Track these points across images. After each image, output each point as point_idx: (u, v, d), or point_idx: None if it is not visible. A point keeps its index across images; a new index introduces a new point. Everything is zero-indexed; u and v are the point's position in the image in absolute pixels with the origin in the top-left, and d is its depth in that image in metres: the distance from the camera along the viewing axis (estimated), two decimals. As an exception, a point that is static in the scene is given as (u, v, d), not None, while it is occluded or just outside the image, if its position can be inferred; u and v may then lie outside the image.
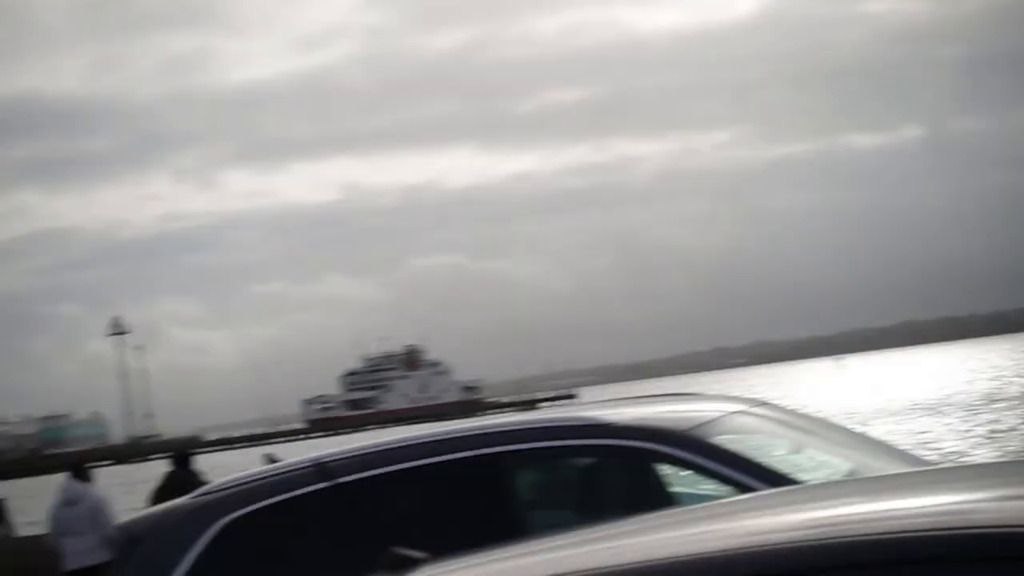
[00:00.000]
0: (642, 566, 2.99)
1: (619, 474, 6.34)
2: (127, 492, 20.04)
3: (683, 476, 6.10)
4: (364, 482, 6.00)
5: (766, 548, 2.88)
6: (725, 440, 6.02)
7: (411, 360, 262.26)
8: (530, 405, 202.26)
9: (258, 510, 6.25)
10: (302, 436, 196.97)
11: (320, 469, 5.55)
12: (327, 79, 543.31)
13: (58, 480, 18.82)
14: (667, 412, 6.40)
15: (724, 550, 2.93)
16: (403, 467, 6.13)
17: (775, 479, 5.71)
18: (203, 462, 18.51)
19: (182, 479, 16.48)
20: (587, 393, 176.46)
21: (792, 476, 5.86)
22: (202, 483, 11.94)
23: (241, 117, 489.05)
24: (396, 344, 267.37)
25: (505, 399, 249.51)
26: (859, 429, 8.48)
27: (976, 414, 45.13)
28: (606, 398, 7.66)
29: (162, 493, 16.13)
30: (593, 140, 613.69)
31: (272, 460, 6.83)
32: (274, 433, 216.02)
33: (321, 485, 5.92)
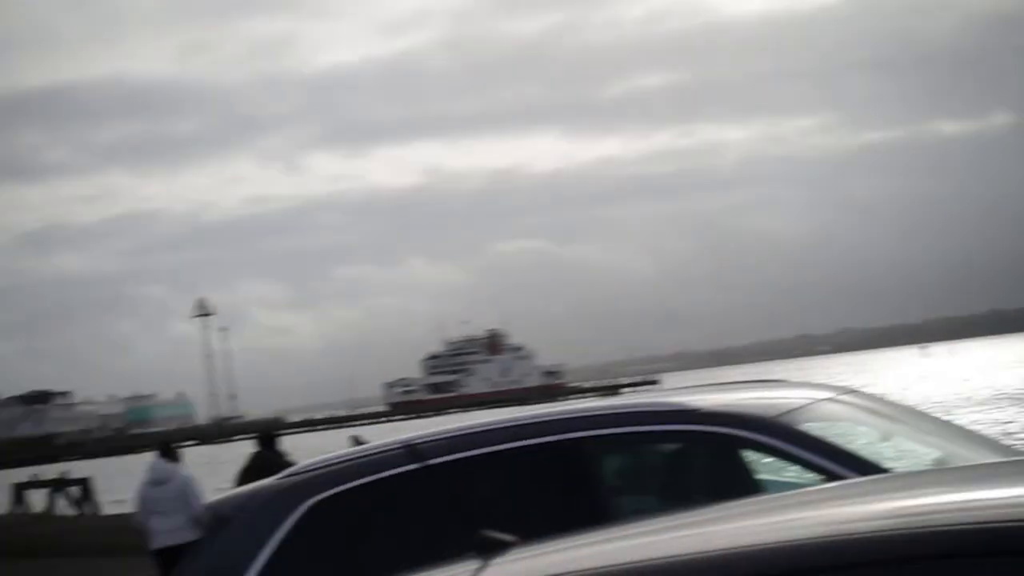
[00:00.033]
0: (729, 553, 2.99)
1: (704, 460, 6.32)
2: (211, 472, 20.22)
3: (769, 463, 6.07)
4: (454, 464, 6.02)
5: (856, 536, 2.87)
6: (813, 427, 5.99)
7: (493, 344, 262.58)
8: (612, 390, 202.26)
9: (346, 491, 6.28)
10: (384, 419, 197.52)
11: (410, 451, 5.57)
12: (412, 63, 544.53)
13: (145, 460, 19.00)
14: (753, 399, 6.37)
15: (813, 538, 2.92)
16: (491, 450, 6.14)
17: (863, 467, 5.67)
18: (285, 444, 18.59)
19: (268, 460, 16.55)
20: (669, 379, 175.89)
21: (880, 464, 5.83)
22: (288, 464, 12.00)
23: (326, 101, 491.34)
24: (478, 328, 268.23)
25: (586, 384, 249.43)
26: (945, 417, 8.40)
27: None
28: (690, 384, 7.64)
29: (248, 473, 16.22)
30: (678, 125, 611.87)
31: (358, 442, 6.86)
32: (356, 416, 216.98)
33: (411, 467, 5.94)
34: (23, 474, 57.85)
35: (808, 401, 6.31)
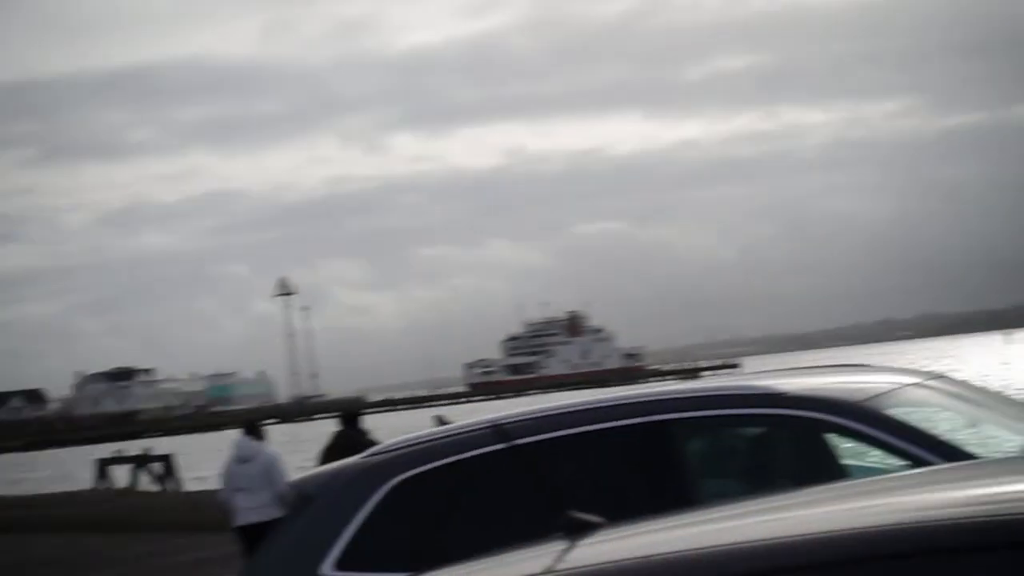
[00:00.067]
0: (814, 537, 2.98)
1: (790, 444, 6.30)
2: (293, 451, 20.36)
3: (855, 448, 6.04)
4: (540, 445, 6.03)
5: (942, 523, 2.86)
6: (899, 412, 5.96)
7: (573, 326, 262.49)
8: (692, 374, 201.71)
9: (431, 470, 6.30)
10: (463, 399, 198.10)
11: (497, 430, 5.57)
12: (494, 44, 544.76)
13: (225, 437, 19.15)
14: (839, 383, 6.34)
15: (898, 524, 2.91)
16: (578, 431, 6.15)
17: (949, 453, 5.64)
18: (367, 423, 18.64)
19: (351, 439, 16.58)
20: (750, 363, 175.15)
21: (966, 450, 5.79)
22: (372, 443, 12.06)
23: (409, 81, 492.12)
24: (558, 310, 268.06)
25: (666, 367, 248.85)
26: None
27: None
28: (772, 368, 7.61)
29: (331, 452, 16.25)
30: (761, 108, 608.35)
31: (442, 422, 6.86)
32: (436, 396, 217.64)
33: (498, 447, 5.95)
34: (107, 450, 58.49)
35: (895, 386, 6.27)
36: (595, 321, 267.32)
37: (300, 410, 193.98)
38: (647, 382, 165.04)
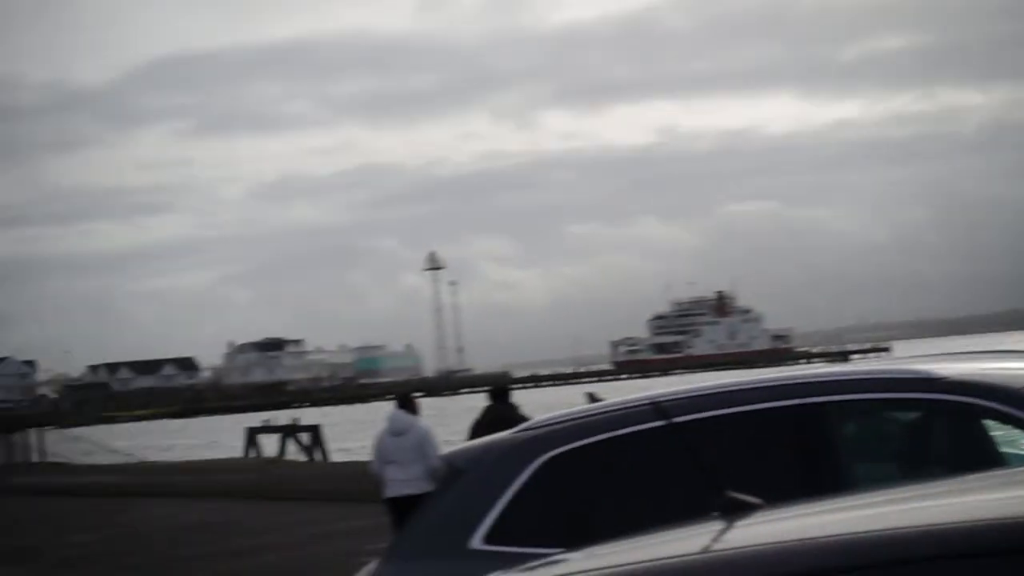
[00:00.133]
0: (974, 525, 2.95)
1: (945, 430, 6.23)
2: (439, 424, 20.50)
3: (1012, 434, 5.96)
4: (699, 423, 6.01)
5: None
6: None
7: (721, 306, 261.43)
8: (842, 356, 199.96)
9: (584, 446, 6.30)
10: (609, 377, 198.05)
11: (656, 408, 5.56)
12: (648, 21, 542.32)
13: (372, 410, 19.35)
14: (996, 368, 6.24)
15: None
16: (736, 411, 6.12)
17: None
18: (515, 399, 18.73)
19: (501, 414, 16.65)
20: (900, 347, 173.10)
21: None
22: (522, 418, 12.08)
23: (561, 58, 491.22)
24: (706, 290, 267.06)
25: (815, 349, 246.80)
26: None
27: None
28: (924, 352, 7.52)
29: (481, 427, 16.33)
30: (918, 89, 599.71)
31: (594, 399, 6.87)
32: (581, 373, 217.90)
33: (655, 424, 5.93)
34: (256, 419, 59.32)
35: None
36: (743, 301, 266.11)
37: (446, 384, 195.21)
38: (795, 364, 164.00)
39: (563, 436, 6.37)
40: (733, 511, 3.46)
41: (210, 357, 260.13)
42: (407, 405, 17.39)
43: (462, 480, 6.53)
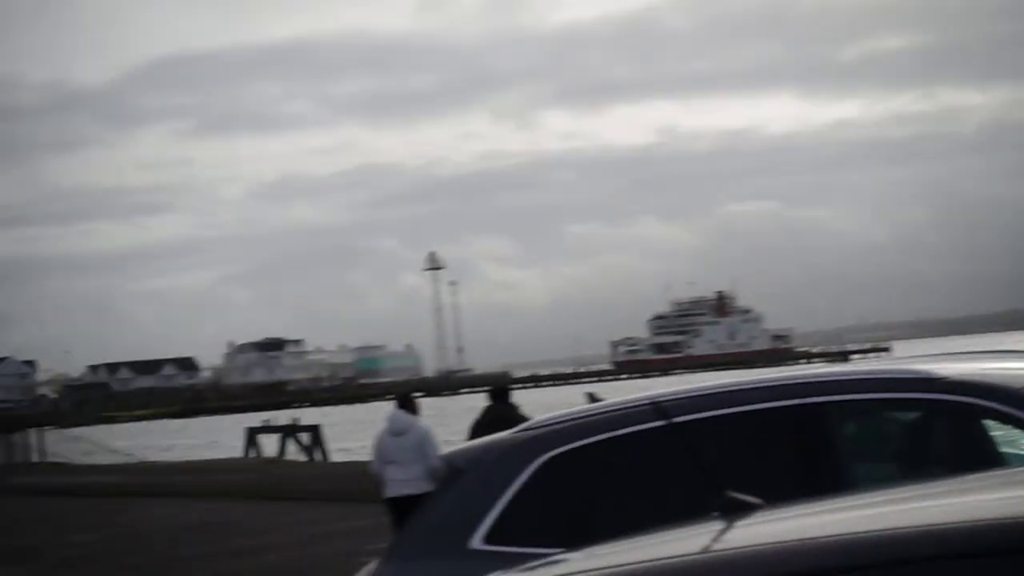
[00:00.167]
0: (975, 525, 2.95)
1: (945, 430, 6.23)
2: (439, 424, 20.49)
3: (1012, 435, 5.96)
4: (698, 423, 6.01)
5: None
6: None
7: (721, 306, 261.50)
8: (842, 357, 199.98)
9: (584, 446, 6.30)
10: (609, 377, 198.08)
11: (656, 408, 5.56)
12: (648, 21, 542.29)
13: (372, 410, 19.37)
14: (998, 368, 6.24)
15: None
16: (736, 411, 6.12)
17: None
18: (515, 398, 18.74)
19: (501, 414, 16.66)
20: (900, 347, 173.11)
21: None
22: (522, 418, 12.08)
23: (561, 58, 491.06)
24: (706, 290, 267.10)
25: (815, 349, 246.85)
26: None
27: None
28: (924, 352, 7.53)
29: (481, 427, 16.34)
30: (918, 89, 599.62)
31: (594, 399, 6.87)
32: (581, 373, 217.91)
33: (655, 424, 5.93)
34: (256, 419, 59.33)
35: None
36: (743, 301, 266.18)
37: (446, 384, 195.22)
38: (795, 364, 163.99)
39: (563, 436, 6.37)
40: (733, 511, 3.46)
41: (210, 357, 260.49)
42: (407, 405, 17.40)
43: (462, 480, 6.53)
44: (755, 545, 3.12)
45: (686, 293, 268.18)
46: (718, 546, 3.19)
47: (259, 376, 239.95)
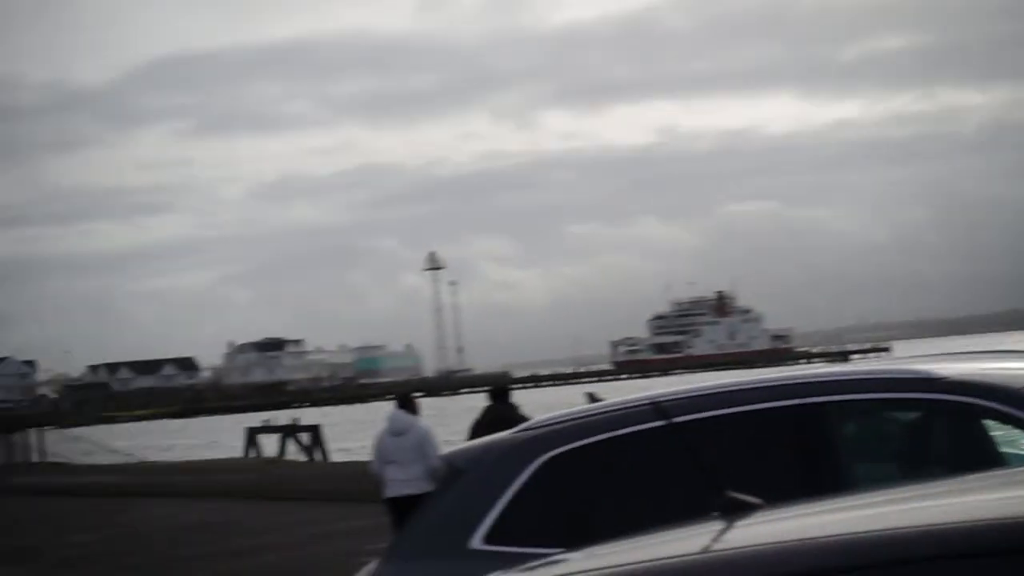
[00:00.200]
0: (975, 525, 2.95)
1: (945, 430, 6.23)
2: (439, 424, 20.47)
3: (1012, 435, 5.96)
4: (699, 423, 6.01)
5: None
6: None
7: (720, 306, 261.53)
8: (842, 356, 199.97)
9: (584, 446, 6.30)
10: (609, 377, 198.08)
11: (656, 408, 5.56)
12: (648, 21, 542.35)
13: (372, 410, 19.37)
14: (998, 368, 6.24)
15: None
16: (736, 411, 6.12)
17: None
18: (515, 399, 18.73)
19: (501, 413, 16.66)
20: (900, 347, 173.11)
21: None
22: (522, 418, 12.08)
23: (561, 58, 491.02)
24: (706, 290, 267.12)
25: (815, 349, 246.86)
26: None
27: None
28: (924, 352, 7.53)
29: (481, 427, 16.34)
30: (918, 89, 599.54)
31: (594, 399, 6.86)
32: (581, 373, 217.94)
33: (655, 424, 5.93)
34: (256, 419, 59.35)
35: None
36: (743, 301, 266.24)
37: (446, 384, 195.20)
38: (795, 364, 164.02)
39: (563, 436, 6.37)
40: (733, 511, 3.46)
41: (210, 357, 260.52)
42: (407, 405, 17.40)
43: (462, 480, 6.53)
44: (755, 545, 3.12)
45: (686, 293, 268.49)
46: (718, 546, 3.19)
47: (259, 376, 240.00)
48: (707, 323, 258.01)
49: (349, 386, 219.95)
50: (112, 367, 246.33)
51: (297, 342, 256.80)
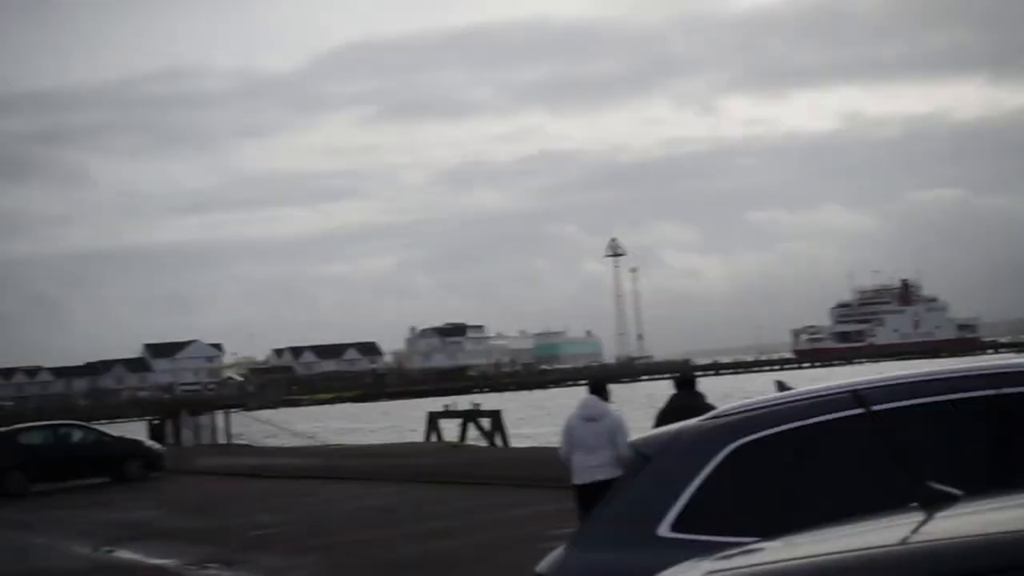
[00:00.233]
0: None
1: None
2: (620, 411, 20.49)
3: None
4: (897, 412, 5.93)
5: None
6: None
7: (905, 295, 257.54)
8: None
9: (774, 435, 6.25)
10: (790, 366, 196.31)
11: (856, 396, 5.49)
12: (834, 5, 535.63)
13: (551, 396, 19.37)
14: None
15: None
16: (932, 400, 6.03)
17: None
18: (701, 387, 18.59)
19: (687, 402, 16.59)
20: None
21: None
22: (708, 407, 12.02)
23: (745, 44, 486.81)
24: (890, 278, 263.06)
25: (1003, 339, 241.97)
26: None
27: None
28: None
29: (667, 415, 16.27)
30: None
31: (783, 387, 6.81)
32: (763, 361, 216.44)
33: (852, 412, 5.86)
34: (437, 404, 59.84)
35: None
36: (928, 290, 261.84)
37: (626, 371, 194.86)
38: (982, 354, 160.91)
39: (753, 424, 6.33)
40: (933, 502, 3.41)
41: (392, 342, 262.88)
42: (600, 391, 17.38)
43: (650, 467, 6.52)
44: (956, 537, 3.07)
45: (870, 281, 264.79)
46: (918, 537, 3.15)
47: (440, 361, 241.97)
48: (891, 312, 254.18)
49: (529, 372, 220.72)
50: (296, 351, 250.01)
51: (478, 327, 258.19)
